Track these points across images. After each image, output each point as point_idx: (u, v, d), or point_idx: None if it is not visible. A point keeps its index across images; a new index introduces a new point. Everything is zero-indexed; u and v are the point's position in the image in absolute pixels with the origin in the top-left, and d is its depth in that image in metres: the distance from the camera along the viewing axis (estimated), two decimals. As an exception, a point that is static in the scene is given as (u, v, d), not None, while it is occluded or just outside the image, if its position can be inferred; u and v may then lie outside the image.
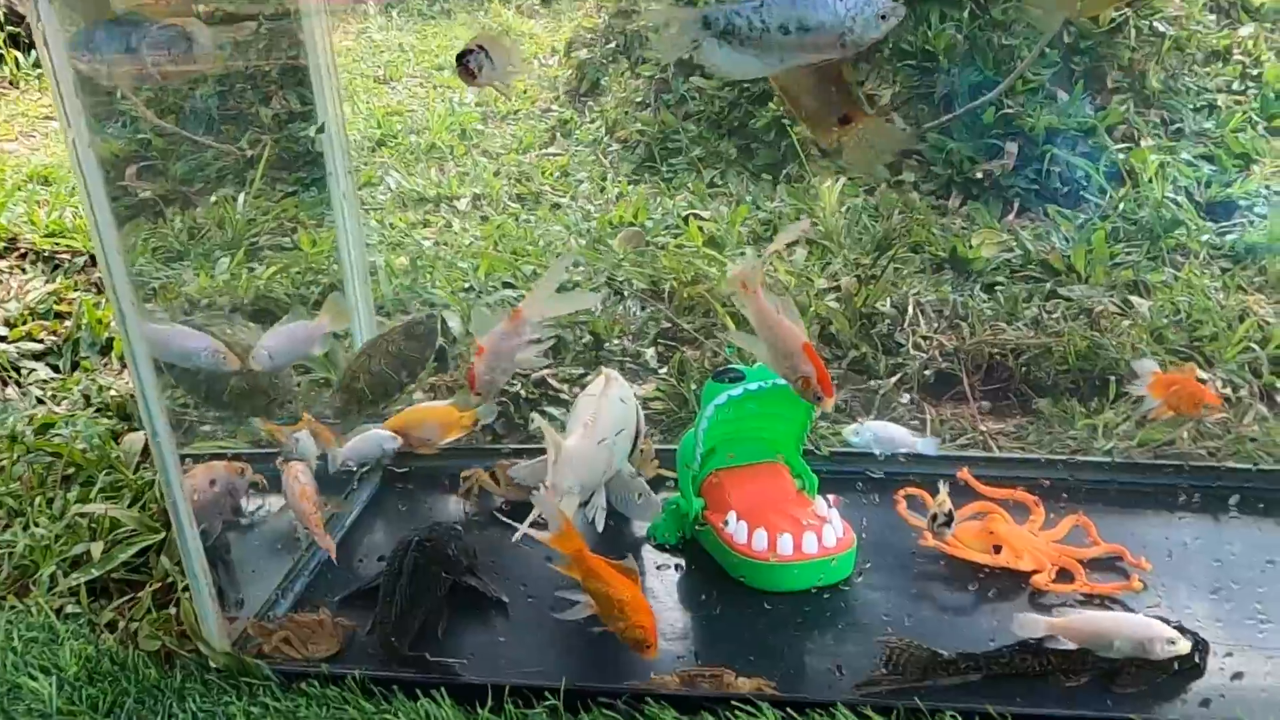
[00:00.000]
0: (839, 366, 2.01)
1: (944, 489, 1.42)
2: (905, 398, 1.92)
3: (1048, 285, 2.26)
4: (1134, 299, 2.18)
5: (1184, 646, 1.18)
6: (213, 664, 1.22)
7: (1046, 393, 1.91)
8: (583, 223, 2.73)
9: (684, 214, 2.76)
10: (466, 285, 2.31)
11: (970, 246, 2.42)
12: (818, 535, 1.40)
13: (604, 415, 1.36)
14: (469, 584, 1.38)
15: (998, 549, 1.44)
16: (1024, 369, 1.95)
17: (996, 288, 2.29)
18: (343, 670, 1.21)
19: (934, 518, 1.40)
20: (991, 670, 1.21)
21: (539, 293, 1.31)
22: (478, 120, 3.76)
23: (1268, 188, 2.57)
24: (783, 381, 1.45)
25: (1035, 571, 1.43)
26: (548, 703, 1.16)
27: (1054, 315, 2.12)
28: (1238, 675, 1.20)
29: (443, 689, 1.18)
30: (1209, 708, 1.16)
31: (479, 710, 1.15)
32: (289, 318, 1.45)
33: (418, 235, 2.72)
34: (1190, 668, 1.21)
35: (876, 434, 1.58)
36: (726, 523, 1.43)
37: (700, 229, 2.63)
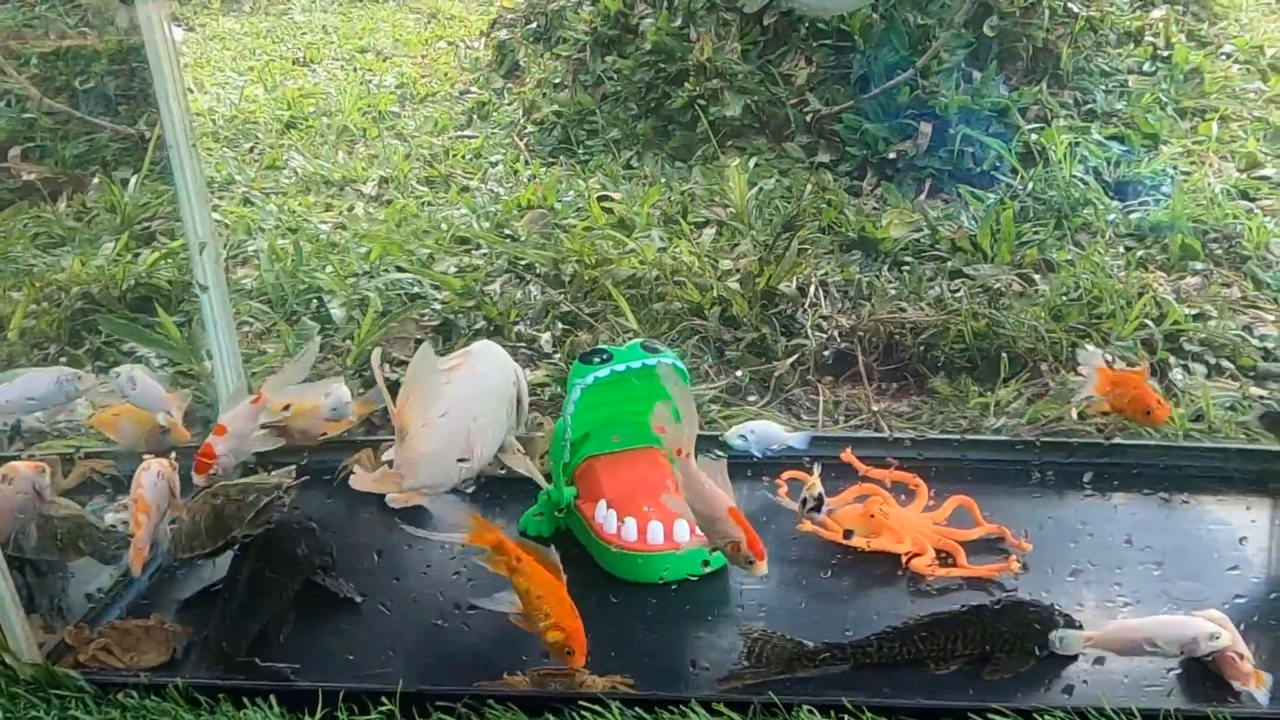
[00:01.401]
0: (738, 349, 1.95)
1: (816, 472, 1.38)
2: (809, 379, 1.87)
3: (955, 265, 2.24)
4: (1036, 277, 2.16)
5: (1226, 639, 1.14)
6: (20, 676, 1.12)
7: (943, 372, 1.88)
8: (490, 205, 2.64)
9: (596, 195, 2.69)
10: (358, 270, 2.21)
11: (879, 227, 2.38)
12: (690, 523, 1.34)
13: (459, 396, 1.27)
14: (320, 583, 1.29)
15: (848, 534, 1.40)
16: (922, 348, 1.91)
17: (904, 267, 2.26)
18: (165, 679, 1.12)
19: (804, 502, 1.35)
20: (859, 660, 1.16)
21: (282, 378, 1.34)
22: (394, 103, 3.65)
23: (1175, 167, 2.58)
24: (654, 361, 1.39)
25: (916, 554, 1.39)
26: (384, 708, 1.08)
27: (957, 294, 2.09)
28: (1100, 660, 1.17)
29: (272, 696, 1.10)
30: (1072, 695, 1.13)
31: (307, 717, 1.07)
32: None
33: (317, 219, 2.61)
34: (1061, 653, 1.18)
35: (757, 435, 1.53)
36: (597, 511, 1.37)
37: (609, 210, 2.57)
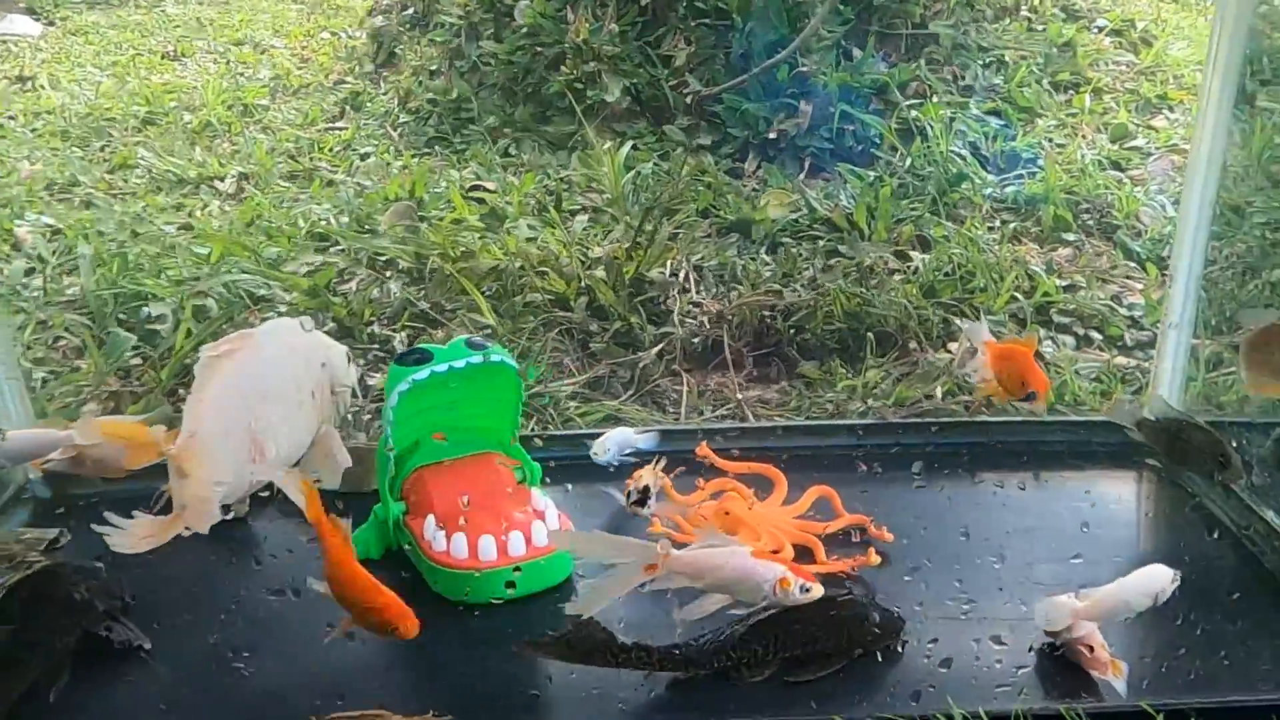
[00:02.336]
0: (603, 340, 1.86)
1: (651, 466, 1.29)
2: (674, 369, 1.78)
3: (832, 244, 2.19)
4: (913, 254, 2.12)
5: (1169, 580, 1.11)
6: None
7: (815, 355, 1.82)
8: (353, 199, 2.49)
9: (469, 186, 2.56)
10: (197, 273, 2.04)
11: (756, 208, 2.32)
12: (525, 534, 1.24)
13: (232, 390, 1.09)
14: (105, 632, 1.14)
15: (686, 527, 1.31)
16: (792, 331, 1.85)
17: (781, 249, 2.20)
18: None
19: (628, 495, 1.25)
20: (664, 665, 1.07)
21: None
22: (265, 95, 3.44)
23: (1049, 140, 2.58)
24: (479, 359, 1.28)
25: (775, 551, 1.31)
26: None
27: (831, 275, 2.03)
28: (946, 662, 1.11)
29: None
30: (919, 701, 1.06)
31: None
32: None
33: (164, 221, 2.42)
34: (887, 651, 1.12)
35: (615, 443, 1.43)
36: (426, 528, 1.25)
37: (481, 201, 2.45)
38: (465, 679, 1.11)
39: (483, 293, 1.92)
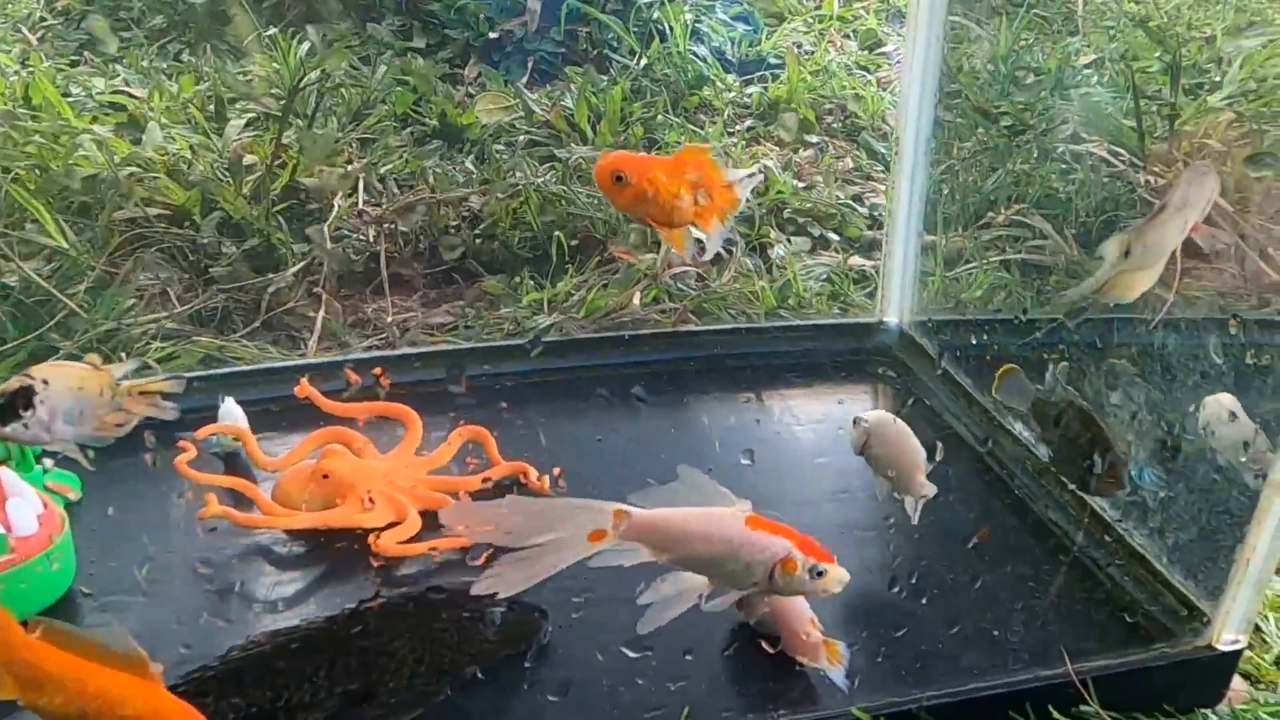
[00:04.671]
0: (229, 264, 1.43)
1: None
2: (315, 293, 1.38)
3: (550, 150, 1.85)
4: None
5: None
6: None
7: (505, 268, 1.48)
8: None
9: (111, 92, 2.03)
10: None
11: (463, 113, 1.95)
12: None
13: None
14: None
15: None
16: (479, 241, 1.50)
17: (495, 155, 1.84)
18: None
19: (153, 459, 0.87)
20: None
21: None
22: None
23: (799, 45, 2.37)
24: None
25: (395, 523, 0.96)
26: None
27: (546, 179, 1.70)
28: (564, 689, 0.80)
29: None
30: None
31: None
32: None
33: None
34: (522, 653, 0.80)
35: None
36: None
37: (122, 108, 1.93)
38: None
39: (66, 207, 1.44)
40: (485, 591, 0.68)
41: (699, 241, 0.82)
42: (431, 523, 0.97)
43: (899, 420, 0.94)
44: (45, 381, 0.74)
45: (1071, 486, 0.99)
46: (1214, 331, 0.91)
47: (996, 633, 0.90)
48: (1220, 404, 0.90)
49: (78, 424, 0.75)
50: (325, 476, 0.98)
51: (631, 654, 0.80)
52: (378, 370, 1.08)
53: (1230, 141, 1.59)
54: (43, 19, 2.52)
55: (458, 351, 1.23)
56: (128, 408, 0.77)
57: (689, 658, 0.83)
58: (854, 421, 0.97)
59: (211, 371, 1.16)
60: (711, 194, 0.84)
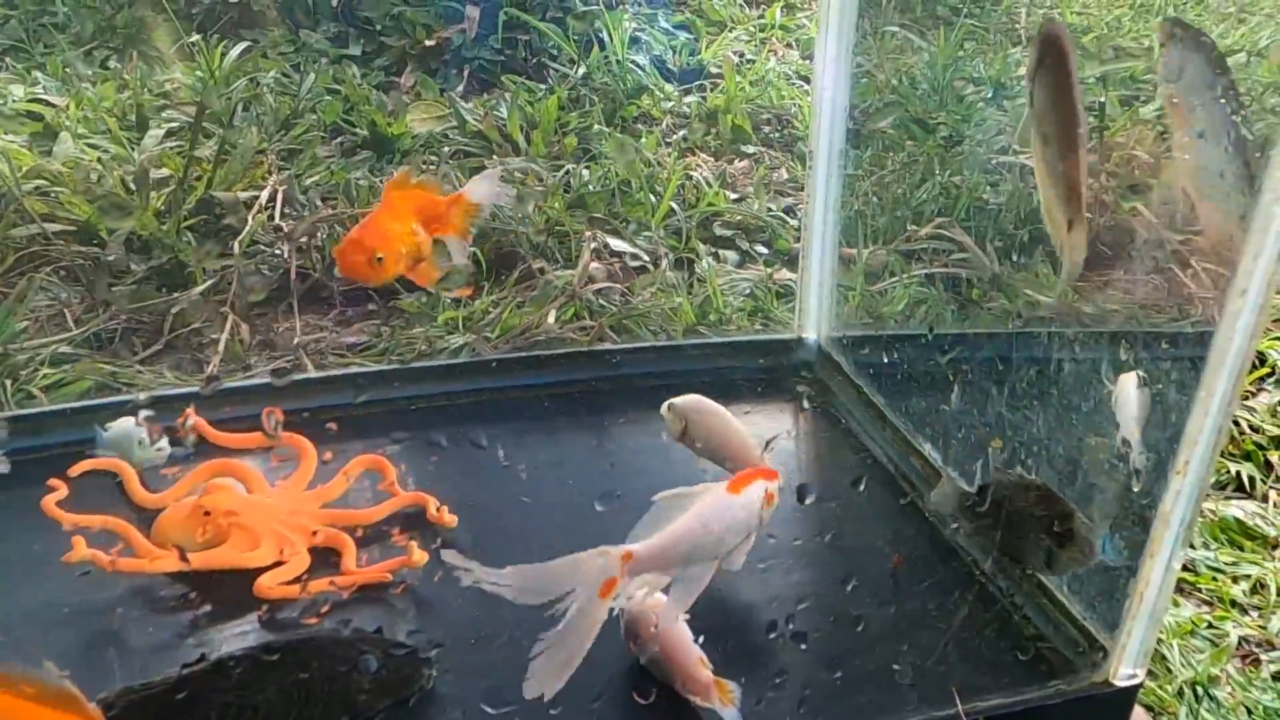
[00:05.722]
0: (132, 283, 1.38)
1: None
2: (222, 311, 1.34)
3: (480, 160, 1.82)
4: (573, 167, 1.80)
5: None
6: None
7: (418, 286, 1.44)
8: None
9: (29, 101, 1.97)
10: None
11: (392, 123, 1.90)
12: None
13: None
14: None
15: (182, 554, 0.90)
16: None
17: (423, 165, 1.81)
18: None
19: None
20: None
21: None
22: None
23: (741, 55, 2.35)
24: None
25: (278, 564, 0.92)
26: None
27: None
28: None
29: None
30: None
31: None
32: None
33: None
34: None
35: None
36: None
37: (39, 117, 1.87)
38: None
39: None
40: (532, 696, 0.67)
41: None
42: (321, 560, 0.94)
43: (709, 400, 0.96)
44: None
45: (1029, 571, 0.94)
46: (1109, 352, 0.90)
47: (897, 667, 0.88)
48: (1130, 380, 0.88)
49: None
50: (207, 513, 0.94)
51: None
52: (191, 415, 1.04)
53: (1159, 153, 1.58)
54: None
55: (365, 374, 1.19)
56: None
57: (595, 705, 0.80)
58: (667, 407, 0.98)
59: (96, 401, 1.11)
60: (439, 212, 0.81)
